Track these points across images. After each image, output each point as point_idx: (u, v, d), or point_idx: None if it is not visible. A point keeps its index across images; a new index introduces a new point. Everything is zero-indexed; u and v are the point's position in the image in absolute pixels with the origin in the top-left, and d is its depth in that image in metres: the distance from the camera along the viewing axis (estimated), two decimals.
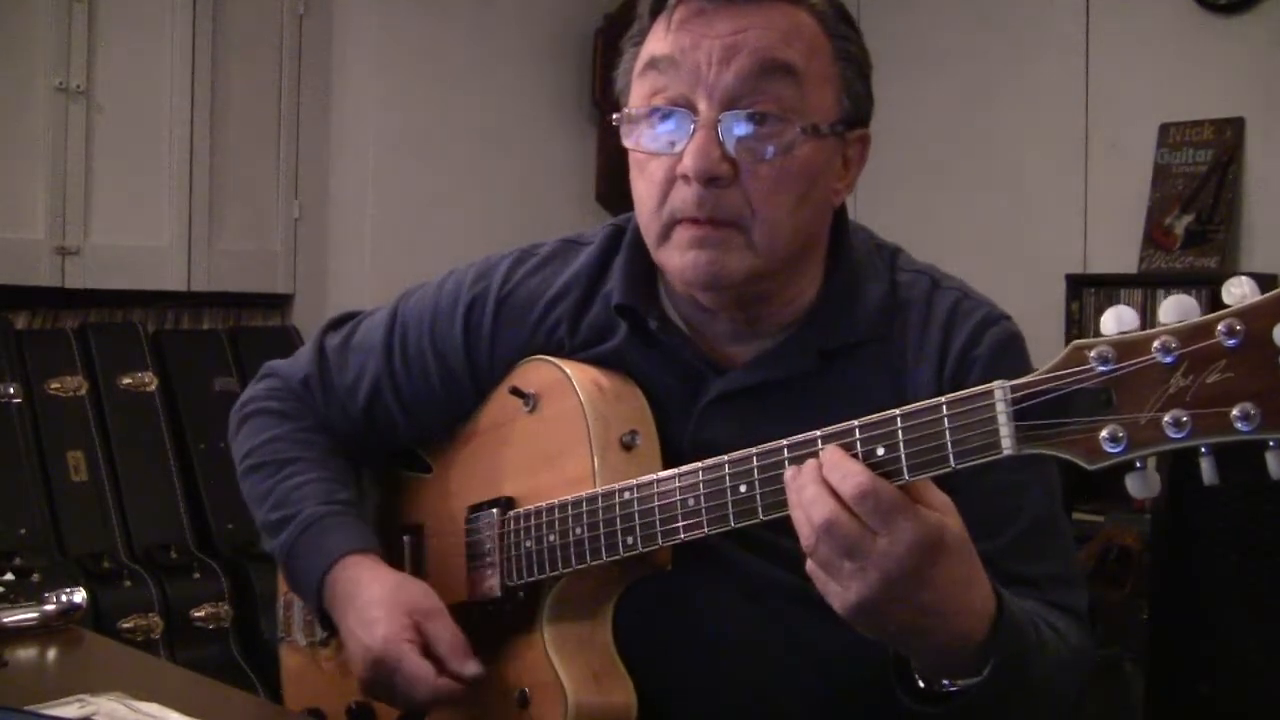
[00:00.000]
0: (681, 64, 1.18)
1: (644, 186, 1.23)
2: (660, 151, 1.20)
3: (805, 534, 1.00)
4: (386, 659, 1.26)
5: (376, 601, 1.29)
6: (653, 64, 1.21)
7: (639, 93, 1.23)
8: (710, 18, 1.18)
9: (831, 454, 1.01)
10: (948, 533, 0.99)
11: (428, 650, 1.27)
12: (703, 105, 1.17)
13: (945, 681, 1.06)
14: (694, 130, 1.17)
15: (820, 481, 1.00)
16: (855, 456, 1.00)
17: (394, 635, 1.27)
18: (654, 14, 1.23)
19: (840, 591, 1.00)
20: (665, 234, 1.22)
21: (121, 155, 3.65)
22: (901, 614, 1.00)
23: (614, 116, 1.24)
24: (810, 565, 1.01)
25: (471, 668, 1.27)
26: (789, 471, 1.03)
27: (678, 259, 1.21)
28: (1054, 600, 1.20)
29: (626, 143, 1.24)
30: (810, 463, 1.01)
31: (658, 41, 1.21)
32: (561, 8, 4.39)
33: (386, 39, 4.05)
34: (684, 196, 1.18)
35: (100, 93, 3.59)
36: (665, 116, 1.20)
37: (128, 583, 3.14)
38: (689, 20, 1.19)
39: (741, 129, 1.17)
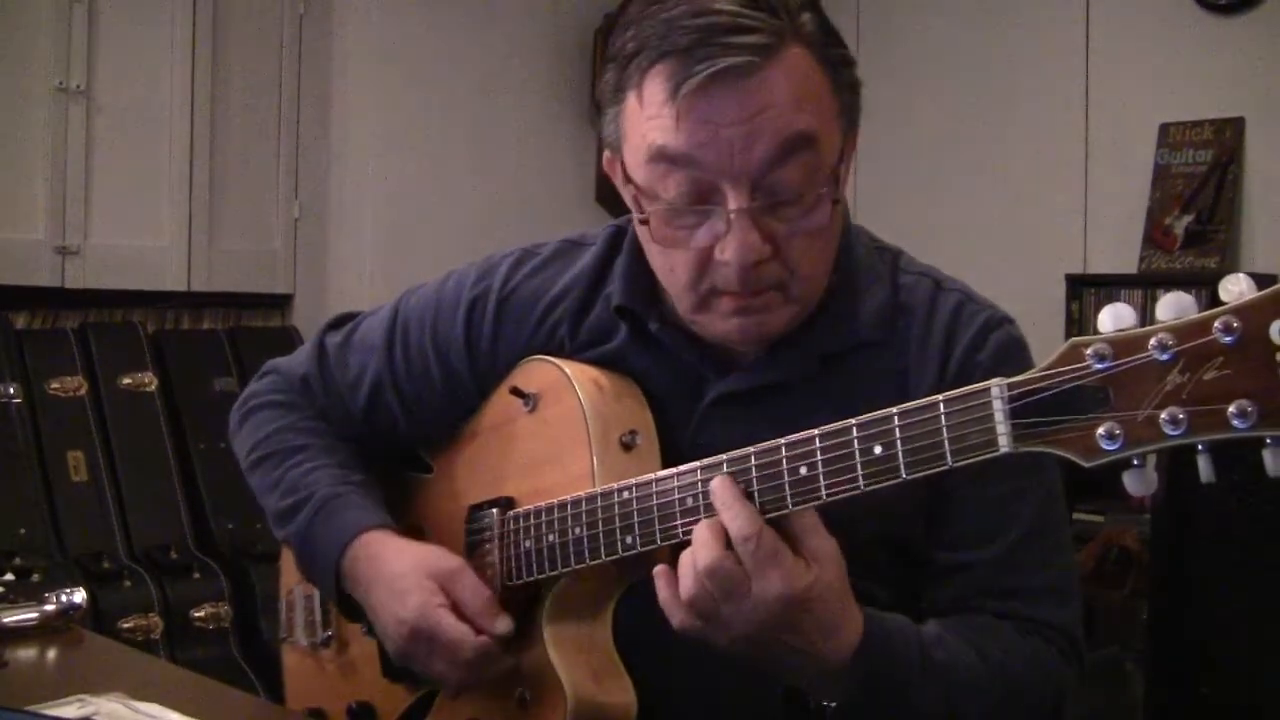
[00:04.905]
0: (702, 160, 1.13)
1: (673, 262, 1.20)
2: (696, 244, 1.17)
3: (687, 579, 1.07)
4: (423, 627, 1.25)
5: (403, 573, 1.28)
6: (667, 158, 1.15)
7: (652, 177, 1.17)
8: (718, 101, 1.12)
9: (722, 488, 1.08)
10: (816, 586, 1.06)
11: (457, 612, 1.26)
12: (732, 196, 1.13)
13: (826, 703, 1.13)
14: (731, 221, 1.14)
15: (712, 526, 1.07)
16: (751, 496, 1.07)
17: (427, 602, 1.26)
18: (641, 75, 1.16)
19: (718, 632, 1.08)
20: (703, 304, 1.20)
21: (121, 155, 3.65)
22: (773, 653, 1.09)
23: (626, 189, 1.20)
24: (685, 617, 1.09)
25: (502, 624, 1.25)
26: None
27: (720, 325, 1.21)
28: (1033, 615, 1.21)
29: (645, 220, 1.19)
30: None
31: (666, 133, 1.14)
32: (561, 8, 4.39)
33: (386, 39, 4.05)
34: (726, 277, 1.16)
35: (100, 93, 3.60)
36: (694, 206, 1.15)
37: (128, 583, 3.14)
38: (696, 106, 1.12)
39: (776, 211, 1.15)
